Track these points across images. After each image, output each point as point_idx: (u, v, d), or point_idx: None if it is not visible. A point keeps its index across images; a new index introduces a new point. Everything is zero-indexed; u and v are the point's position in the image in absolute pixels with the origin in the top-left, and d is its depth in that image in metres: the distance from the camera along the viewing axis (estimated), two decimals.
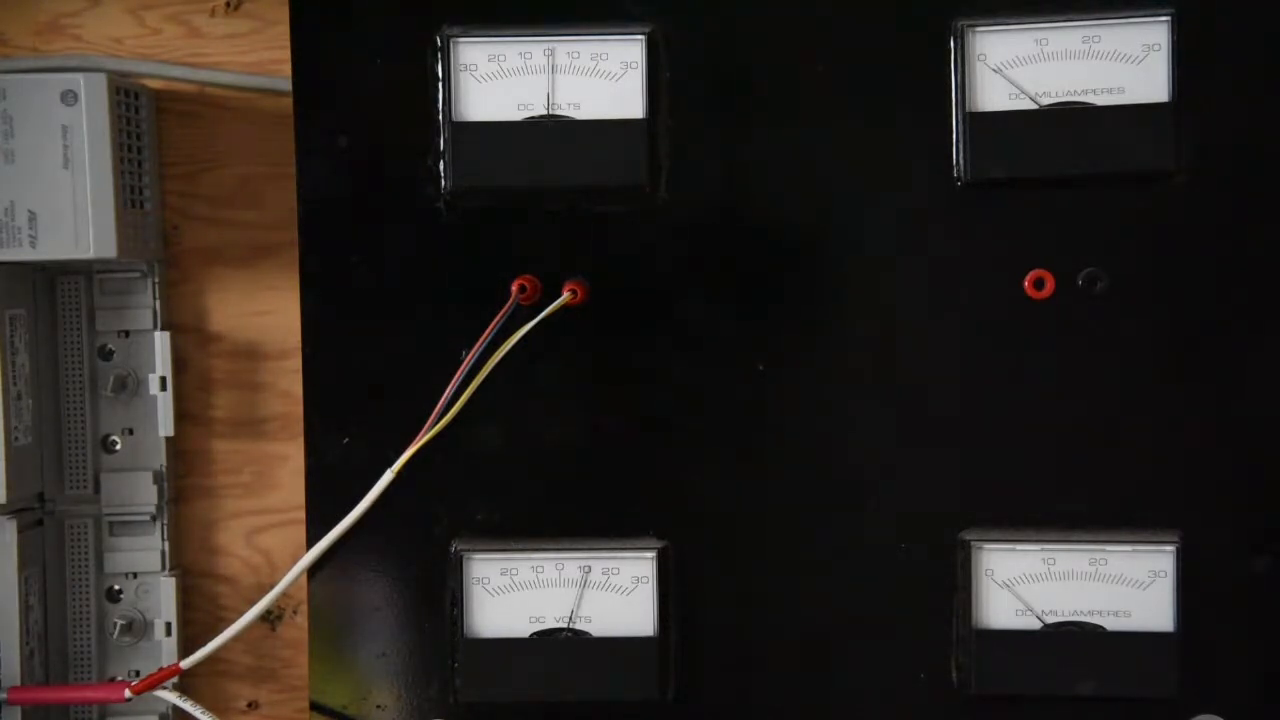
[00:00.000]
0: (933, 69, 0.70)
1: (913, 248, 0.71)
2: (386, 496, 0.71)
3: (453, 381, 0.71)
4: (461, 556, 0.72)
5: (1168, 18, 0.69)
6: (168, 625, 0.79)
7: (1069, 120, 0.69)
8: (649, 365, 0.72)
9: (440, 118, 0.71)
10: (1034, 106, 0.70)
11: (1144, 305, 0.70)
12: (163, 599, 0.80)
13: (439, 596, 0.72)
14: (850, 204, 0.71)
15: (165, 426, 0.79)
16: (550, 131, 0.71)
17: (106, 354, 0.80)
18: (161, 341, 0.79)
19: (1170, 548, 0.70)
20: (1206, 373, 0.70)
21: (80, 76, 0.74)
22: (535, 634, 0.72)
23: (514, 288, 0.71)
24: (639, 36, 0.71)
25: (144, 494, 0.79)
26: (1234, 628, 0.70)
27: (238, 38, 0.80)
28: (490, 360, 0.70)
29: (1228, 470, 0.70)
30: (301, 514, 0.73)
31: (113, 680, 0.80)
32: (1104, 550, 0.70)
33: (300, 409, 0.73)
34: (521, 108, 0.71)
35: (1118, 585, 0.70)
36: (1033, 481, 0.71)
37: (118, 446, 0.80)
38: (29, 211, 0.73)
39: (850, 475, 0.72)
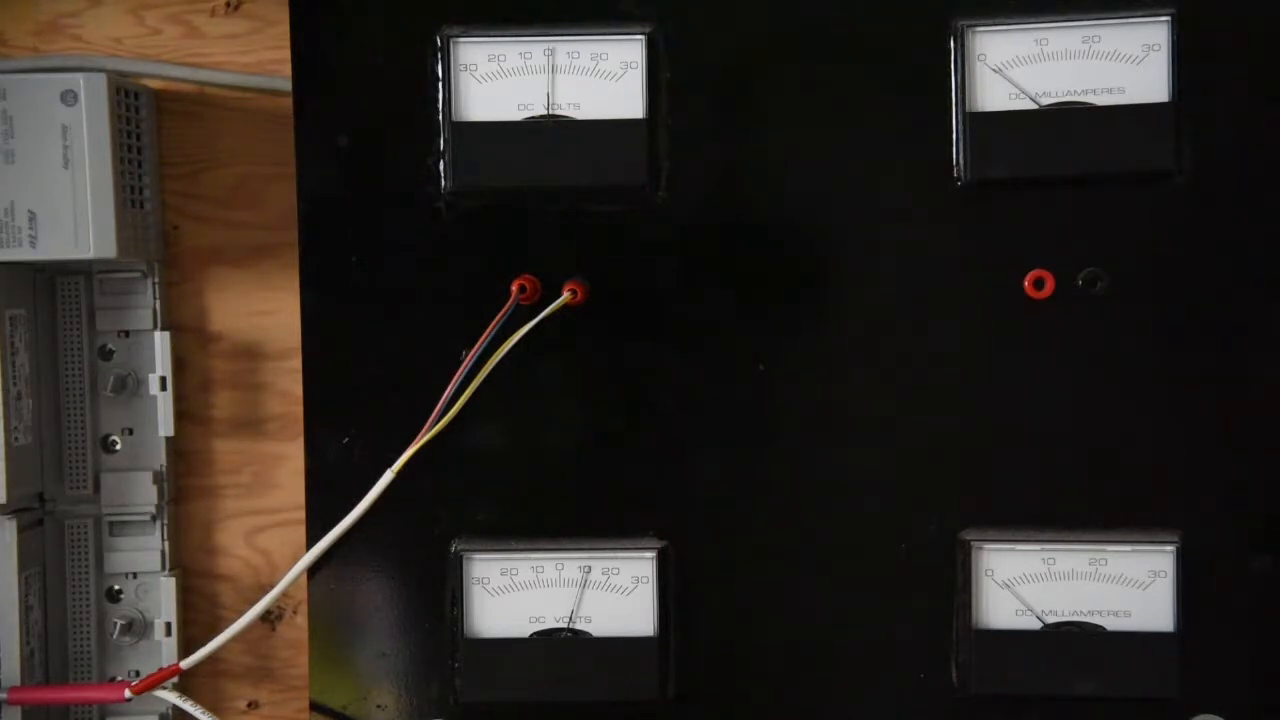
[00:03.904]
0: (933, 69, 0.70)
1: (913, 248, 0.71)
2: (386, 496, 0.71)
3: (453, 381, 0.71)
4: (461, 556, 0.72)
5: (1168, 18, 0.69)
6: (168, 625, 0.79)
7: (1069, 120, 0.69)
8: (649, 365, 0.72)
9: (440, 118, 0.71)
10: (1034, 106, 0.70)
11: (1144, 305, 0.70)
12: (163, 599, 0.80)
13: (439, 596, 0.72)
14: (850, 204, 0.71)
15: (165, 426, 0.79)
16: (550, 131, 0.71)
17: (106, 354, 0.80)
18: (161, 341, 0.79)
19: (1170, 548, 0.70)
20: (1206, 373, 0.70)
21: (80, 76, 0.74)
22: (535, 634, 0.72)
23: (514, 288, 0.71)
24: (639, 36, 0.71)
25: (144, 494, 0.79)
26: (1234, 628, 0.70)
27: (238, 38, 0.80)
28: (490, 360, 0.71)
29: (1228, 470, 0.70)
30: (301, 514, 0.73)
31: (113, 680, 0.80)
32: (1104, 550, 0.70)
33: (300, 409, 0.73)
34: (521, 108, 0.71)
35: (1118, 585, 0.70)
36: (1033, 481, 0.71)
37: (118, 446, 0.80)
38: (29, 211, 0.73)
39: (850, 475, 0.72)
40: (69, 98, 0.73)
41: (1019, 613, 0.71)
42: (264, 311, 0.81)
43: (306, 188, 0.72)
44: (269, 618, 0.81)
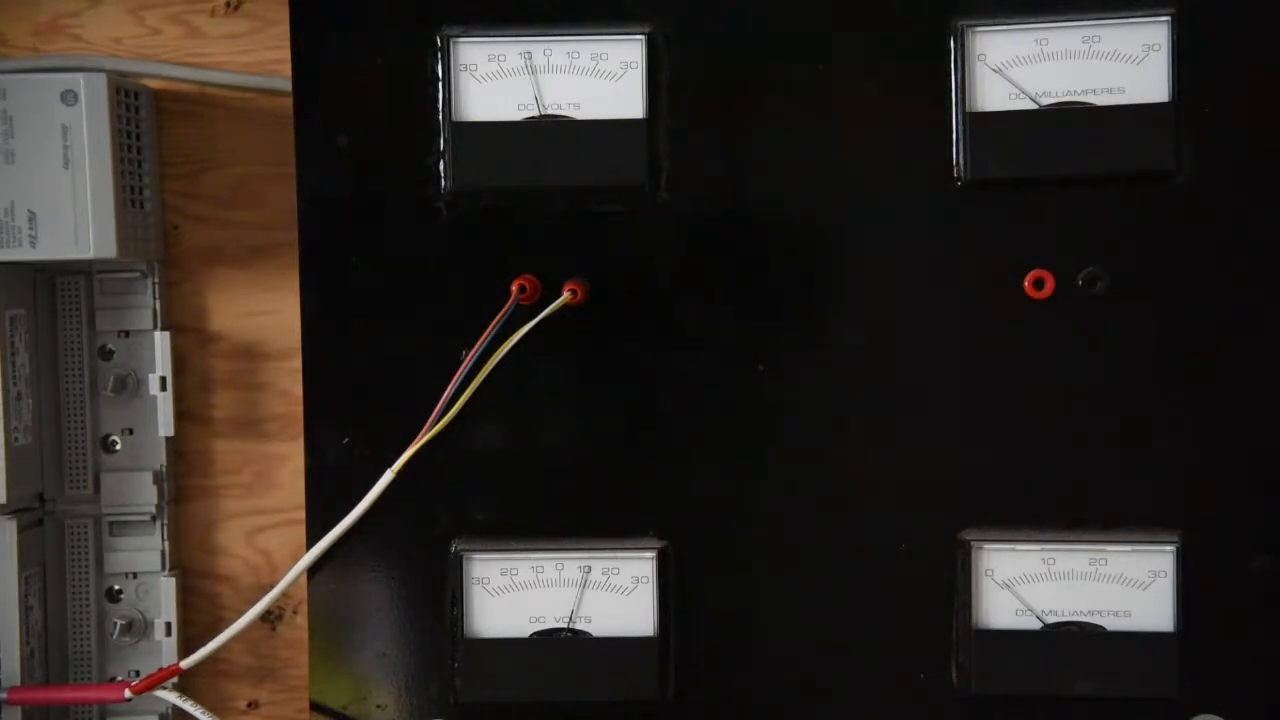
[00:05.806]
0: (933, 69, 0.70)
1: (913, 248, 0.71)
2: (386, 496, 0.71)
3: (453, 381, 0.71)
4: (461, 556, 0.72)
5: (1168, 18, 0.69)
6: (168, 625, 0.79)
7: (1069, 120, 0.69)
8: (648, 365, 0.72)
9: (440, 118, 0.71)
10: (1034, 106, 0.70)
11: (1144, 305, 0.70)
12: (163, 599, 0.80)
13: (439, 596, 0.72)
14: (850, 204, 0.71)
15: (165, 426, 0.79)
16: (550, 131, 0.71)
17: (106, 354, 0.80)
18: (161, 341, 0.79)
19: (1170, 548, 0.70)
20: (1206, 373, 0.70)
21: (80, 76, 0.74)
22: (535, 634, 0.72)
23: (514, 288, 0.71)
24: (639, 36, 0.71)
25: (144, 494, 0.79)
26: (1234, 628, 0.70)
27: (238, 38, 0.80)
28: (490, 360, 0.70)
29: (1228, 470, 0.70)
30: (301, 514, 0.73)
31: (113, 680, 0.80)
32: (1104, 550, 0.70)
33: (300, 409, 0.73)
34: (521, 108, 0.71)
35: (1118, 585, 0.70)
36: (1033, 481, 0.71)
37: (118, 446, 0.80)
38: (29, 211, 0.73)
39: (850, 475, 0.72)
40: (69, 98, 0.73)
41: (1019, 613, 0.71)
42: (264, 311, 0.81)
43: (306, 188, 0.72)
44: (269, 618, 0.81)
